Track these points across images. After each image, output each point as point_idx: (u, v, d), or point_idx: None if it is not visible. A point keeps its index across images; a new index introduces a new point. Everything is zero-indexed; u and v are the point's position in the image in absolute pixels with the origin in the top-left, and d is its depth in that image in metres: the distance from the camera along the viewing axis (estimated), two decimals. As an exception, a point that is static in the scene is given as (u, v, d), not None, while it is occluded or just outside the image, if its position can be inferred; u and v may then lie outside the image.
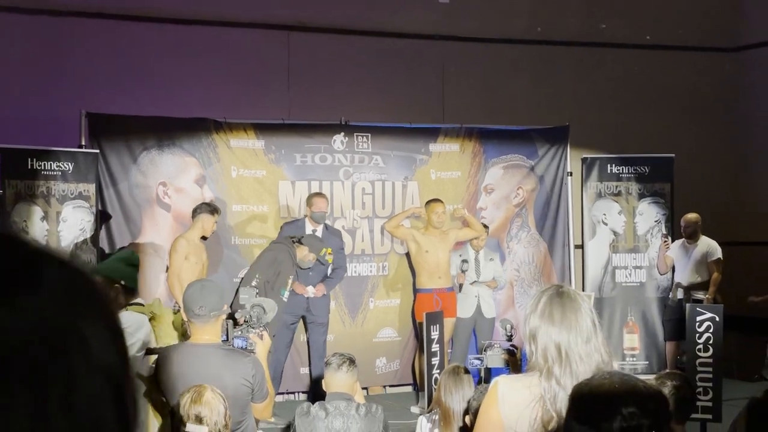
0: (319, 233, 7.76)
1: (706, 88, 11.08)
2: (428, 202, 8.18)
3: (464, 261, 8.06)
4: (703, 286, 8.44)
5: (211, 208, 7.46)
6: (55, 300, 0.68)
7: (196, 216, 7.40)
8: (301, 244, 7.45)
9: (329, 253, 7.66)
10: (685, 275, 8.55)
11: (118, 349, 0.72)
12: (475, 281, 8.13)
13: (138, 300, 4.16)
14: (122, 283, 4.10)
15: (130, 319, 3.95)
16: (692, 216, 8.56)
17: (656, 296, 9.02)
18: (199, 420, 3.14)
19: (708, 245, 8.51)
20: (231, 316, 4.13)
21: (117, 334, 0.73)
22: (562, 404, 2.36)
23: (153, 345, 4.06)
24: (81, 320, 0.69)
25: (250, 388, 3.66)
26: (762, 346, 9.07)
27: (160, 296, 7.58)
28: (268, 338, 4.00)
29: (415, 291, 8.23)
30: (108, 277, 4.07)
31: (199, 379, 3.46)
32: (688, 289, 8.48)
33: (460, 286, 8.05)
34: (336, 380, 4.51)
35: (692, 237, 8.55)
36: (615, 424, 1.59)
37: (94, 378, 0.68)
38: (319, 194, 7.95)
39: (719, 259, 8.46)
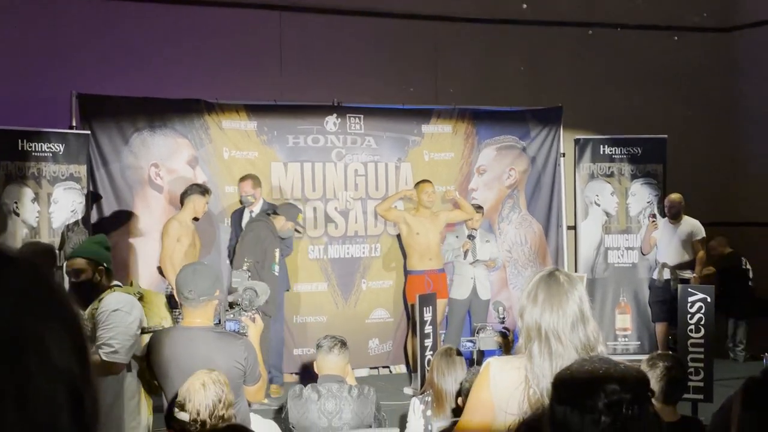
0: (256, 211, 7.67)
1: (700, 68, 11.06)
2: (418, 183, 8.21)
3: (470, 236, 8.10)
4: (688, 265, 8.49)
5: (201, 189, 7.43)
6: (11, 303, 0.66)
7: (186, 198, 7.37)
8: (277, 214, 7.43)
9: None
10: (670, 255, 8.58)
11: (78, 353, 0.71)
12: (476, 260, 8.13)
13: (115, 282, 4.17)
14: (105, 265, 4.10)
15: (122, 300, 3.96)
16: (676, 196, 8.60)
17: (648, 277, 9.05)
18: (181, 407, 3.15)
19: (692, 225, 8.56)
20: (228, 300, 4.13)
21: (79, 339, 0.71)
22: (544, 386, 2.37)
23: (145, 324, 4.07)
24: (39, 324, 0.67)
25: (243, 370, 3.66)
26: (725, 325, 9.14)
27: (154, 279, 7.59)
28: (260, 321, 4.00)
29: (406, 273, 8.25)
30: (93, 261, 4.07)
31: (191, 362, 3.46)
32: (675, 268, 8.52)
33: (465, 253, 8.05)
34: (328, 362, 4.52)
35: (676, 217, 8.59)
36: (598, 401, 1.63)
37: (51, 382, 0.67)
38: (245, 177, 7.79)
39: (704, 238, 8.58)
